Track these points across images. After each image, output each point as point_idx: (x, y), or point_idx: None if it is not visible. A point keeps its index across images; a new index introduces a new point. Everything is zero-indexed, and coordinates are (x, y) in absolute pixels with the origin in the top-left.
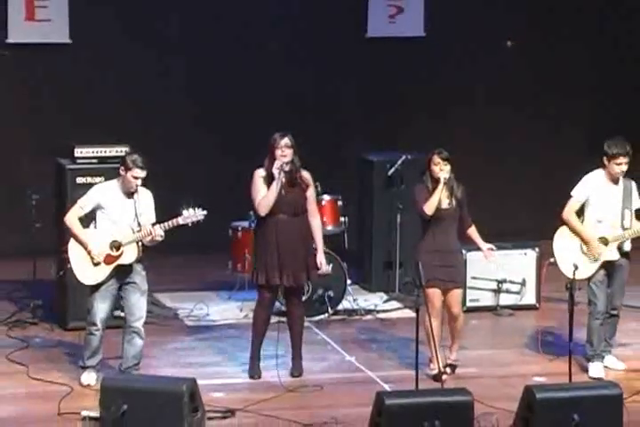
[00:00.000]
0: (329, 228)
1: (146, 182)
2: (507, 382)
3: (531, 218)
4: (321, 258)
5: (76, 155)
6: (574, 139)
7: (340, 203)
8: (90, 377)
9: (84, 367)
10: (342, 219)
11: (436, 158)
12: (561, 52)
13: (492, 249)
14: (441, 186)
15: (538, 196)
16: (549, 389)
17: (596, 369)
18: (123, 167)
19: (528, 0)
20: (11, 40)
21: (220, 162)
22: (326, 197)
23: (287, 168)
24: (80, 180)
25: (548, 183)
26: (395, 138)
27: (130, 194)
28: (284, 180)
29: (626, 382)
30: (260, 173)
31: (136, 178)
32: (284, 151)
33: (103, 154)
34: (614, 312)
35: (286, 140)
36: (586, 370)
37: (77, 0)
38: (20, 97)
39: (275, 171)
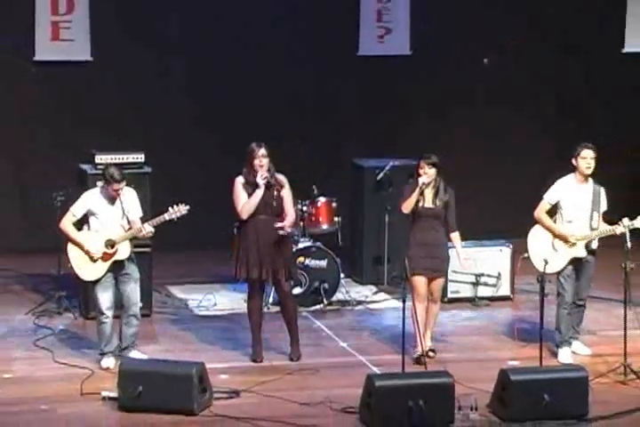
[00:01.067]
0: (324, 226)
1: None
2: (484, 366)
3: (511, 217)
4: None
5: (96, 161)
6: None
7: (334, 204)
8: (108, 361)
9: (103, 353)
10: (336, 219)
11: (422, 163)
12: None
13: (467, 259)
14: (418, 188)
15: (516, 196)
16: (522, 371)
17: (564, 355)
18: (105, 181)
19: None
20: (38, 58)
21: (219, 162)
22: (322, 199)
23: (265, 180)
24: (100, 183)
25: (521, 185)
26: (392, 141)
27: (113, 200)
28: (261, 184)
29: (591, 366)
30: (240, 181)
31: (116, 190)
32: (262, 161)
33: (120, 160)
34: (581, 303)
35: (263, 151)
36: (555, 355)
37: (97, 22)
38: (46, 110)
39: (259, 180)
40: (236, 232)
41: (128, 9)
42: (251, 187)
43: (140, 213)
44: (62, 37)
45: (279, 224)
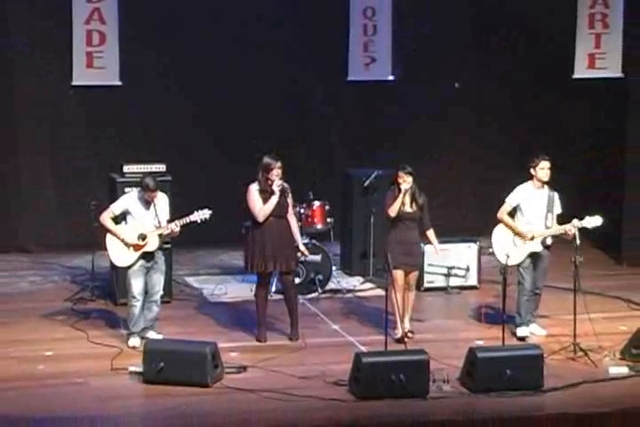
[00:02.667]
0: (319, 226)
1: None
2: (455, 345)
3: (477, 218)
4: (302, 247)
5: (124, 171)
6: (508, 159)
7: (327, 207)
8: (135, 341)
9: (130, 333)
10: (329, 219)
11: (401, 172)
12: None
13: (441, 250)
14: (401, 194)
15: (481, 200)
16: (488, 350)
17: (522, 331)
18: (142, 189)
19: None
20: (74, 83)
21: (226, 170)
22: (317, 203)
23: (281, 188)
24: (127, 190)
25: (486, 191)
26: (376, 153)
27: (149, 204)
28: (277, 192)
29: (546, 345)
30: (255, 188)
31: (151, 197)
32: (278, 172)
33: (144, 170)
34: (537, 291)
35: (279, 164)
36: (515, 335)
37: (125, 52)
38: (82, 127)
39: (275, 189)
40: (250, 231)
41: (151, 42)
42: (265, 194)
43: (168, 217)
44: (95, 65)
45: (303, 252)
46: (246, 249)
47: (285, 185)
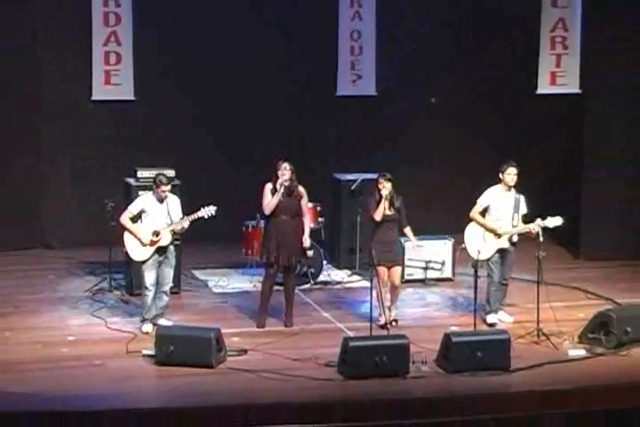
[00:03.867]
0: (311, 225)
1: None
2: (432, 330)
3: (452, 217)
4: (306, 242)
5: (138, 175)
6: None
7: (318, 208)
8: (148, 327)
9: (144, 320)
10: (320, 219)
11: (381, 179)
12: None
13: (418, 245)
14: (384, 200)
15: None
16: (461, 334)
17: (491, 318)
18: (155, 185)
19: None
20: (94, 98)
21: (228, 174)
22: (309, 205)
23: (287, 184)
24: (141, 192)
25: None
26: (362, 160)
27: (162, 200)
28: (282, 191)
29: (512, 330)
30: (269, 187)
31: (164, 191)
32: (284, 172)
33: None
34: (505, 282)
35: (285, 165)
36: (485, 322)
37: (139, 71)
38: (100, 136)
39: (278, 185)
40: (264, 229)
41: (162, 61)
42: (274, 191)
43: (181, 215)
44: (112, 82)
45: (307, 244)
46: (260, 243)
47: (301, 189)
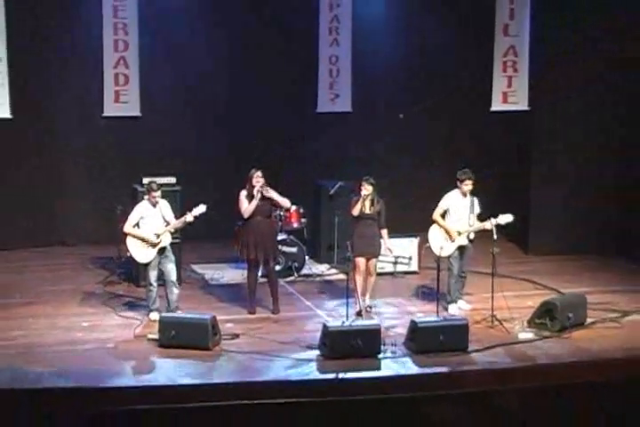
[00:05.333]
0: (295, 225)
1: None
2: (401, 317)
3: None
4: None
5: (143, 182)
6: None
7: (301, 210)
8: (154, 315)
9: (151, 310)
10: (303, 220)
11: (364, 182)
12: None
13: (389, 249)
14: (362, 198)
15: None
16: (425, 320)
17: (452, 309)
18: (147, 191)
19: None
20: (105, 114)
21: (223, 181)
22: (293, 207)
23: (262, 189)
24: (146, 197)
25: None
26: (340, 168)
27: (155, 205)
28: (258, 196)
29: (470, 316)
30: (244, 193)
31: (154, 196)
32: (258, 180)
33: (160, 181)
34: (463, 275)
35: (258, 173)
36: (446, 309)
37: (144, 91)
38: (110, 148)
39: (255, 192)
40: (240, 229)
41: (165, 83)
42: (250, 197)
43: (172, 216)
44: (121, 100)
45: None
46: (239, 241)
47: (270, 191)
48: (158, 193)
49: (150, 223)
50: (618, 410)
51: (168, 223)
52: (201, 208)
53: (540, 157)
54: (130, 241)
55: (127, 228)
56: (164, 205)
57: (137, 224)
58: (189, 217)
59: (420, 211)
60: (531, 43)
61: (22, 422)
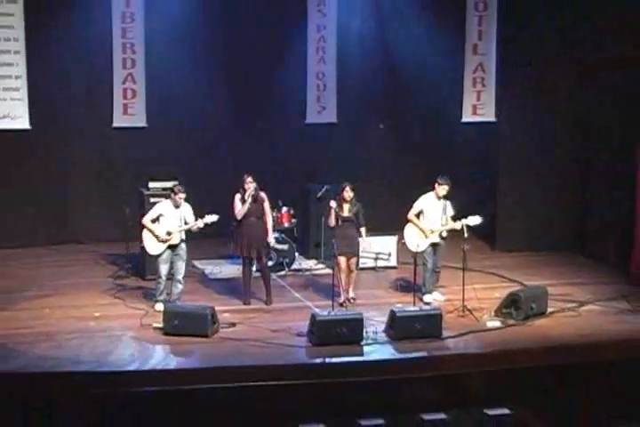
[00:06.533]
0: (286, 225)
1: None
2: (381, 307)
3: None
4: (271, 238)
5: (149, 186)
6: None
7: (292, 211)
8: (159, 306)
9: (157, 301)
10: (293, 220)
11: (346, 187)
12: None
13: (367, 242)
14: (344, 203)
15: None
16: (403, 310)
17: (428, 298)
18: (173, 193)
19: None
20: (115, 125)
21: (220, 185)
22: (285, 208)
23: (254, 193)
24: (152, 200)
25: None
26: (326, 173)
27: (177, 206)
28: (250, 200)
29: (444, 307)
30: (238, 197)
31: (180, 198)
32: (249, 185)
33: (164, 185)
34: (437, 269)
35: (250, 179)
36: (422, 300)
37: (150, 104)
38: (119, 155)
39: (247, 196)
40: (235, 229)
41: (169, 97)
42: (243, 200)
43: (193, 219)
44: (129, 113)
45: (270, 238)
46: (235, 239)
47: (262, 195)
48: (183, 195)
49: (167, 222)
50: (574, 388)
51: (186, 224)
52: (213, 217)
53: (504, 166)
54: (145, 233)
55: (145, 220)
56: (187, 209)
57: (157, 220)
58: (200, 223)
59: (394, 211)
60: (497, 61)
61: (37, 404)
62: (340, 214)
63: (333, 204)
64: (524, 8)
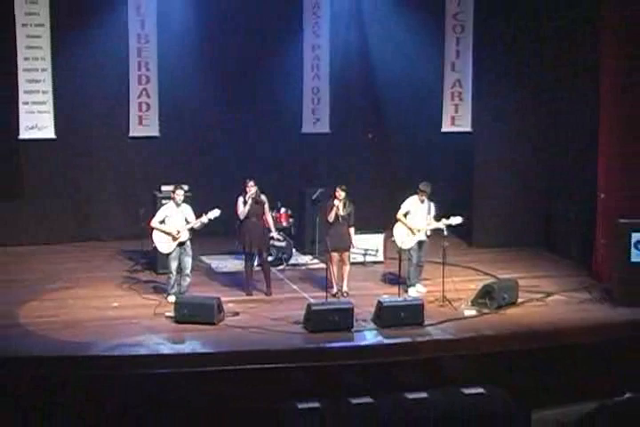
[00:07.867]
0: (284, 224)
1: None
2: (368, 298)
3: (384, 217)
4: (274, 233)
5: (162, 189)
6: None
7: (289, 212)
8: (171, 298)
9: (169, 294)
10: (291, 220)
11: (338, 189)
12: None
13: (356, 240)
14: (334, 208)
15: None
16: (389, 300)
17: (412, 292)
18: (172, 192)
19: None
20: (131, 135)
21: (222, 187)
22: (283, 209)
23: (254, 196)
24: (164, 201)
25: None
26: (320, 177)
27: (178, 206)
28: (251, 202)
29: (426, 297)
30: (240, 199)
31: (178, 195)
32: (251, 188)
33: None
34: (421, 264)
35: (251, 182)
36: (406, 291)
37: (162, 115)
38: (135, 162)
39: (247, 198)
40: (239, 228)
41: (179, 111)
42: (245, 202)
43: (193, 217)
44: (144, 124)
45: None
46: (238, 237)
47: (263, 197)
48: (181, 192)
49: (173, 221)
50: (541, 369)
51: (189, 223)
52: (215, 212)
53: (480, 172)
54: (155, 234)
55: (153, 222)
56: (187, 208)
57: (163, 221)
58: (205, 219)
59: (381, 211)
60: (473, 77)
61: (61, 384)
62: (337, 212)
63: (337, 202)
64: (497, 31)
